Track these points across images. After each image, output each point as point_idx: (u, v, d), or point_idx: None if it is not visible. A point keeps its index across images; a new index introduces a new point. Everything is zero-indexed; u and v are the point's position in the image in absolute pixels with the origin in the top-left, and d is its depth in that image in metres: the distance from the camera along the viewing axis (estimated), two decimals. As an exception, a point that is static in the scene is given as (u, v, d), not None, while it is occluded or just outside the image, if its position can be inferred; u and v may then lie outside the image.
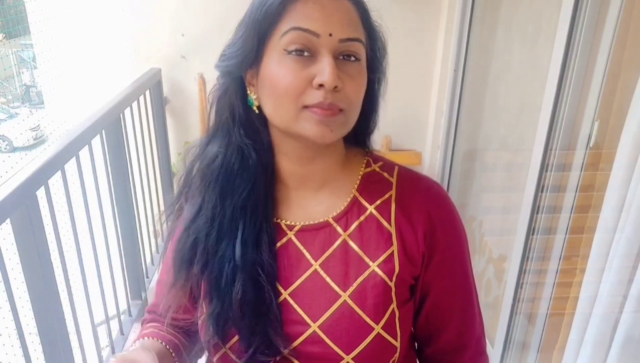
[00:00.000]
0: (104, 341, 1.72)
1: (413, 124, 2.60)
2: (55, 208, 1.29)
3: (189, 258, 0.72)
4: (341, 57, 0.63)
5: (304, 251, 0.71)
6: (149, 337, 0.79)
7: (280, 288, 0.70)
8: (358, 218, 0.71)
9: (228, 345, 0.71)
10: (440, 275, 0.72)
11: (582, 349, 1.24)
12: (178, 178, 0.78)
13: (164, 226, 0.79)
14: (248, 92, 0.69)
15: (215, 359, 0.73)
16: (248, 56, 0.65)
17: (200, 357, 0.85)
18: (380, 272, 0.69)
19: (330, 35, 0.61)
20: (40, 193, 1.21)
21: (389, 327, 0.68)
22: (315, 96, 0.61)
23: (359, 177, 0.74)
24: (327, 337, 0.67)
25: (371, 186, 0.73)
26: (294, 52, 0.62)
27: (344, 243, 0.70)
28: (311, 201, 0.73)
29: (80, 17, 2.33)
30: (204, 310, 0.72)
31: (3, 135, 6.36)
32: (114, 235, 1.76)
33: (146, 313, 0.88)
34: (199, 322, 0.74)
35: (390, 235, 0.70)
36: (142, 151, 2.07)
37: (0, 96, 6.73)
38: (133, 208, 1.91)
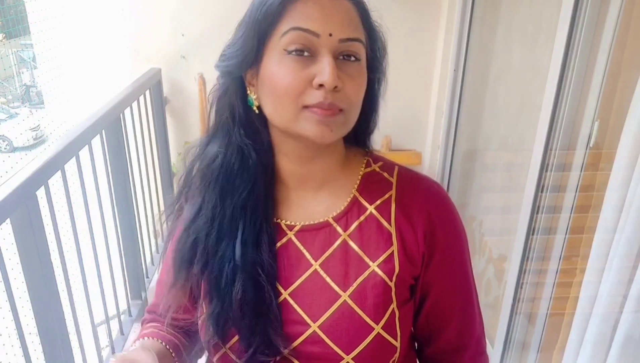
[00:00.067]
0: (104, 341, 1.72)
1: (413, 124, 2.60)
2: (55, 208, 1.29)
3: (188, 258, 0.72)
4: (341, 57, 0.63)
5: (304, 251, 0.71)
6: (149, 337, 0.79)
7: (280, 288, 0.70)
8: (358, 218, 0.71)
9: (228, 345, 0.71)
10: (441, 275, 0.72)
11: (582, 349, 1.24)
12: (178, 178, 0.78)
13: (164, 226, 0.79)
14: (248, 92, 0.69)
15: (215, 359, 0.73)
16: (248, 56, 0.65)
17: (200, 356, 0.85)
18: (380, 272, 0.69)
19: (330, 35, 0.61)
20: (40, 193, 1.21)
21: (389, 327, 0.68)
22: (315, 96, 0.61)
23: (359, 177, 0.74)
24: (327, 336, 0.67)
25: (371, 186, 0.73)
26: (294, 52, 0.62)
27: (344, 243, 0.70)
28: (311, 201, 0.73)
29: (80, 17, 2.33)
30: (204, 310, 0.72)
31: (3, 135, 6.36)
32: (114, 235, 1.76)
33: (146, 313, 0.88)
34: (199, 322, 0.74)
35: (390, 234, 0.70)
36: (142, 151, 2.07)
37: (0, 96, 6.73)
38: (133, 208, 1.91)
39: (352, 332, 0.67)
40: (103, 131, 1.63)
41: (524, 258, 1.61)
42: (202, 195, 0.71)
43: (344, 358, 0.66)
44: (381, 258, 0.69)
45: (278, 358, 0.69)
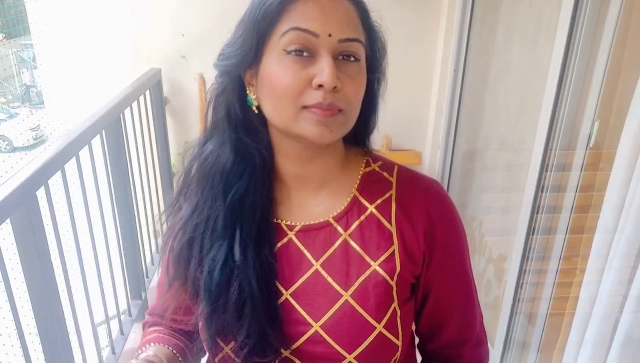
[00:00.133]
0: (104, 341, 1.72)
1: (413, 124, 2.60)
2: (55, 208, 1.29)
3: (185, 257, 0.72)
4: (341, 58, 0.63)
5: (305, 251, 0.71)
6: (154, 343, 0.79)
7: (281, 288, 0.70)
8: (358, 217, 0.71)
9: (229, 346, 0.70)
10: (441, 273, 0.73)
11: (582, 349, 1.24)
12: (178, 178, 0.78)
13: (164, 226, 0.79)
14: (247, 92, 0.69)
15: (216, 360, 0.73)
16: (247, 55, 0.65)
17: (203, 356, 0.85)
18: (381, 271, 0.69)
19: (330, 35, 0.61)
20: (40, 193, 1.21)
21: (390, 326, 0.68)
22: (314, 97, 0.61)
23: (359, 177, 0.74)
24: (329, 336, 0.67)
25: (371, 185, 0.73)
26: (293, 53, 0.62)
27: (345, 242, 0.70)
28: (311, 201, 0.73)
29: (80, 17, 2.33)
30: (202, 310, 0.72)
31: (3, 135, 6.36)
32: (114, 235, 1.76)
33: (147, 316, 0.88)
34: (199, 323, 0.74)
35: (390, 234, 0.70)
36: (142, 151, 2.07)
37: (0, 96, 6.73)
38: (133, 208, 1.91)
39: (354, 332, 0.67)
40: (103, 131, 1.63)
41: (524, 258, 1.61)
42: (199, 195, 0.71)
43: (346, 358, 0.67)
44: (382, 258, 0.69)
45: (280, 358, 0.69)
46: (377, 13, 0.69)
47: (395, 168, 0.75)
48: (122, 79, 2.13)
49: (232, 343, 0.70)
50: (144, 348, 0.78)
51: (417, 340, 0.83)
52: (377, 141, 2.09)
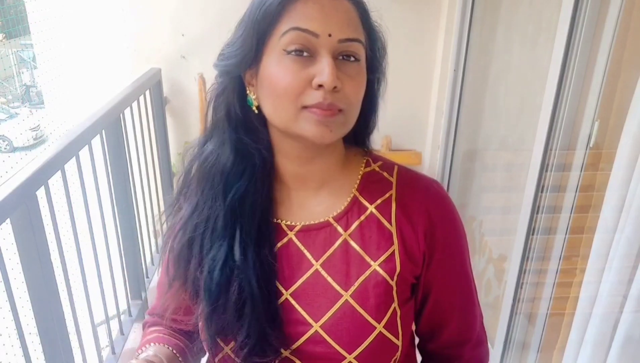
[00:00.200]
0: (104, 341, 1.72)
1: (413, 124, 2.60)
2: (55, 208, 1.29)
3: (185, 257, 0.72)
4: (340, 58, 0.63)
5: (305, 251, 0.71)
6: (154, 343, 0.79)
7: (281, 288, 0.70)
8: (358, 217, 0.71)
9: (229, 347, 0.70)
10: (442, 273, 0.73)
11: (582, 349, 1.24)
12: (178, 178, 0.78)
13: (164, 226, 0.79)
14: (247, 92, 0.69)
15: (216, 360, 0.73)
16: (247, 55, 0.65)
17: (203, 356, 0.85)
18: (381, 271, 0.69)
19: (330, 35, 0.61)
20: (40, 193, 1.21)
21: (390, 326, 0.68)
22: (314, 97, 0.61)
23: (359, 177, 0.74)
24: (329, 336, 0.67)
25: (371, 185, 0.73)
26: (293, 53, 0.62)
27: (345, 242, 0.70)
28: (311, 201, 0.73)
29: (80, 17, 2.33)
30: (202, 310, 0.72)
31: (3, 135, 6.37)
32: (114, 235, 1.76)
33: (148, 316, 0.88)
34: (200, 323, 0.74)
35: (390, 234, 0.70)
36: (142, 151, 2.07)
37: (0, 96, 6.73)
38: (133, 208, 1.91)
39: (354, 332, 0.67)
40: (103, 131, 1.63)
41: (524, 258, 1.61)
42: (199, 195, 0.71)
43: (346, 358, 0.67)
44: (382, 258, 0.69)
45: (280, 358, 0.69)
46: (377, 13, 0.69)
47: (395, 168, 0.75)
48: (122, 79, 2.13)
49: (232, 343, 0.70)
50: (144, 348, 0.78)
51: (417, 340, 0.83)
52: (377, 141, 2.09)
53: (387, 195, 0.72)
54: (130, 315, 1.90)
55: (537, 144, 1.50)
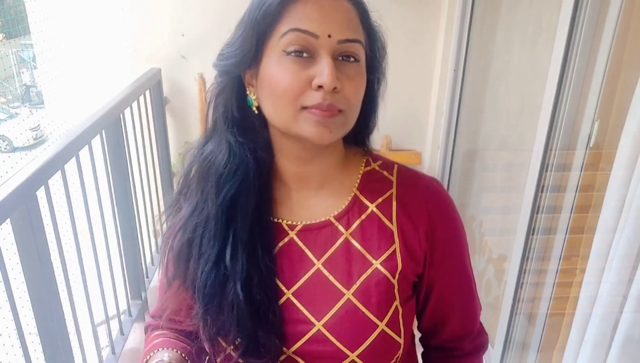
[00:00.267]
0: (104, 341, 1.72)
1: (413, 124, 2.60)
2: (55, 208, 1.29)
3: (185, 257, 0.72)
4: (340, 58, 0.63)
5: (306, 250, 0.71)
6: (163, 348, 0.78)
7: (283, 287, 0.70)
8: (359, 216, 0.72)
9: (231, 348, 0.70)
10: (443, 270, 0.74)
11: (582, 349, 1.24)
12: (178, 178, 0.78)
13: (164, 226, 0.79)
14: (247, 92, 0.69)
15: (218, 360, 0.73)
16: (246, 55, 0.65)
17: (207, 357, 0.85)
18: (383, 270, 0.69)
19: (330, 36, 0.61)
20: (40, 193, 1.21)
21: (392, 324, 0.69)
22: (314, 97, 0.61)
23: (359, 176, 0.74)
24: (332, 335, 0.67)
25: (371, 184, 0.74)
26: (293, 53, 0.62)
27: (346, 241, 0.71)
28: (312, 200, 0.73)
29: (80, 17, 2.33)
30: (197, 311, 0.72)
31: (3, 135, 6.37)
32: (114, 235, 1.76)
33: (149, 318, 0.88)
34: (200, 323, 0.74)
35: (392, 233, 0.70)
36: (142, 151, 2.07)
37: (0, 96, 6.73)
38: (133, 208, 1.91)
39: (357, 330, 0.67)
40: (103, 131, 1.63)
41: (524, 258, 1.61)
42: (197, 196, 0.71)
43: (349, 356, 0.67)
44: (384, 256, 0.70)
45: (282, 358, 0.69)
46: (377, 13, 0.69)
47: (395, 166, 0.76)
48: (122, 79, 2.13)
49: (232, 345, 0.70)
50: (151, 354, 0.77)
51: (418, 336, 0.84)
52: (377, 141, 2.09)
53: (387, 194, 0.72)
54: (130, 315, 1.90)
55: (537, 144, 1.50)
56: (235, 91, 0.69)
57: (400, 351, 0.71)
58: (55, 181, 1.32)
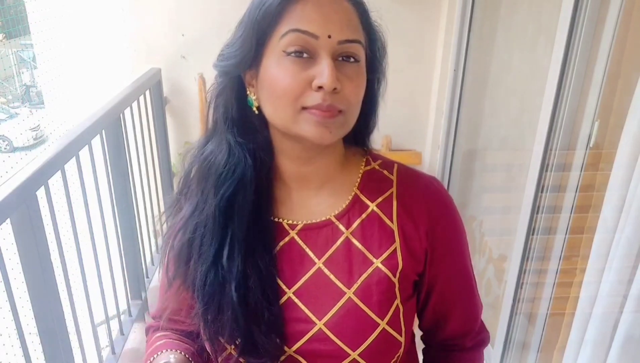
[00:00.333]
0: (104, 341, 1.72)
1: (413, 124, 2.60)
2: (55, 208, 1.29)
3: (185, 256, 0.72)
4: (340, 59, 0.63)
5: (307, 249, 0.71)
6: (166, 350, 0.78)
7: (284, 287, 0.70)
8: (360, 215, 0.72)
9: (232, 347, 0.70)
10: (444, 268, 0.74)
11: (582, 349, 1.24)
12: (178, 178, 0.78)
13: (164, 226, 0.79)
14: (248, 92, 0.69)
15: (220, 360, 0.73)
16: (246, 56, 0.65)
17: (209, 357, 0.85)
18: (384, 268, 0.69)
19: (329, 37, 0.61)
20: (40, 193, 1.21)
21: (393, 323, 0.69)
22: (314, 98, 0.61)
23: (359, 175, 0.75)
24: (333, 334, 0.67)
25: (372, 184, 0.74)
26: (293, 54, 0.62)
27: (347, 240, 0.71)
28: (312, 200, 0.73)
29: (80, 17, 2.33)
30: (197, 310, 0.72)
31: (3, 135, 6.37)
32: (114, 235, 1.76)
33: (150, 319, 0.88)
34: (201, 323, 0.74)
35: (392, 231, 0.70)
36: (142, 151, 2.07)
37: (0, 96, 6.73)
38: (133, 208, 1.91)
39: (358, 329, 0.68)
40: (103, 131, 1.63)
41: (524, 258, 1.61)
42: (198, 196, 0.71)
43: (350, 355, 0.67)
44: (384, 255, 0.70)
45: (284, 357, 0.69)
46: (377, 13, 0.69)
47: (395, 166, 0.76)
48: (122, 79, 2.14)
49: (232, 346, 0.70)
50: (155, 356, 0.77)
51: (419, 334, 0.84)
52: (377, 141, 2.09)
53: (387, 193, 0.72)
54: (130, 315, 1.90)
55: (537, 144, 1.50)
56: (236, 92, 0.69)
57: (401, 350, 0.71)
58: (55, 181, 1.32)
